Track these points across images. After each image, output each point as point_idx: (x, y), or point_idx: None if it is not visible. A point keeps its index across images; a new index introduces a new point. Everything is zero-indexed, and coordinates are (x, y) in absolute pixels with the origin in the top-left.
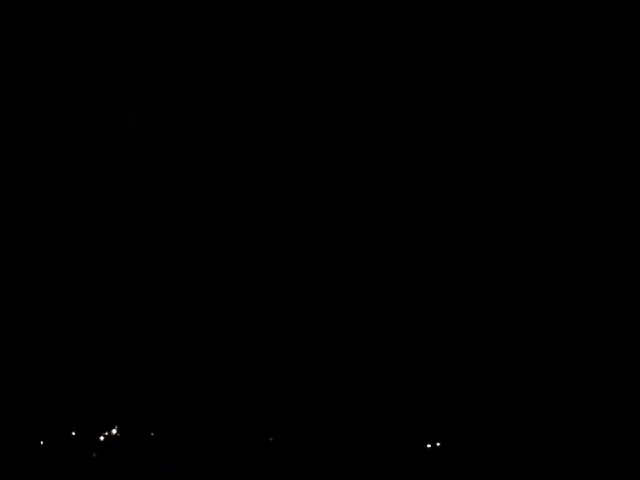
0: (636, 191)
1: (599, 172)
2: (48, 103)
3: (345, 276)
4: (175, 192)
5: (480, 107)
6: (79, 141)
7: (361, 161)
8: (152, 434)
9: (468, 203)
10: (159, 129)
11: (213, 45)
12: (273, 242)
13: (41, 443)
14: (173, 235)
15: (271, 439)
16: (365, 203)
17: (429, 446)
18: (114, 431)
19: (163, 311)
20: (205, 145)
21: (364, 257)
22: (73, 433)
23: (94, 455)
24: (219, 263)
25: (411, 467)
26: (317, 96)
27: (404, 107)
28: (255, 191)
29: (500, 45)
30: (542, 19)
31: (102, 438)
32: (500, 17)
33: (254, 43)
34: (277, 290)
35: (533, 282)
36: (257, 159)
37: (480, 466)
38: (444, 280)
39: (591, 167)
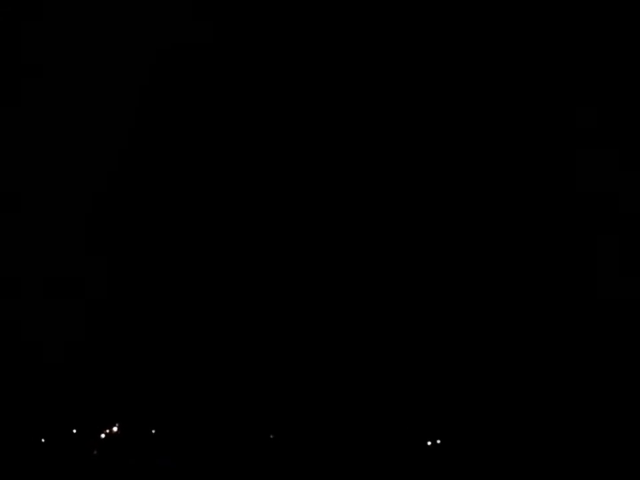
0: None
1: (599, 171)
2: (48, 104)
3: (345, 276)
4: (175, 193)
5: (481, 108)
6: (79, 141)
7: (361, 161)
8: (152, 431)
9: (468, 203)
10: (159, 130)
11: (212, 45)
12: (273, 242)
13: (43, 440)
14: (173, 235)
15: (271, 437)
16: (365, 203)
17: (429, 443)
18: (115, 429)
19: (162, 309)
20: (205, 145)
21: (364, 257)
22: (75, 431)
23: (95, 452)
24: (219, 262)
25: (411, 465)
26: (316, 96)
27: (404, 107)
28: (255, 191)
29: (500, 46)
30: (543, 22)
31: (103, 435)
32: (501, 18)
33: (253, 43)
34: (277, 290)
35: (533, 282)
36: (257, 158)
37: (480, 465)
38: (444, 280)
39: (590, 167)
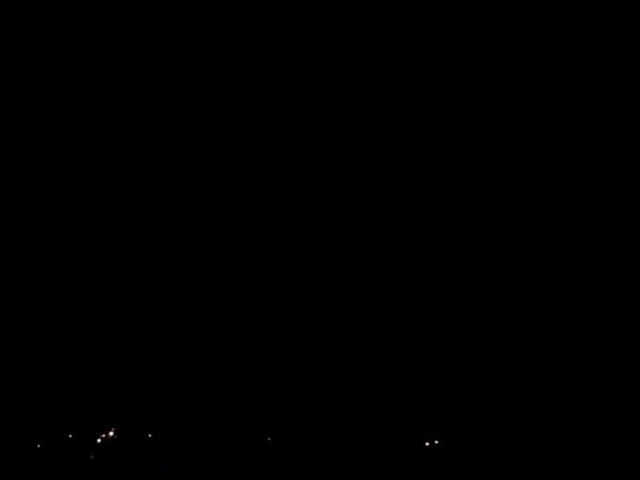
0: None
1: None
2: (48, 104)
3: (345, 276)
4: (174, 193)
5: (482, 110)
6: (78, 141)
7: (361, 161)
8: (149, 435)
9: (468, 205)
10: (158, 130)
11: (212, 46)
12: (273, 242)
13: (38, 446)
14: (173, 235)
15: (269, 439)
16: (365, 203)
17: (427, 444)
18: (111, 433)
19: (160, 310)
20: (205, 146)
21: (363, 256)
22: (70, 436)
23: (92, 456)
24: (218, 263)
25: (411, 466)
26: (317, 96)
27: (404, 108)
28: (255, 191)
29: (501, 47)
30: (545, 23)
31: (99, 440)
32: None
33: (253, 43)
34: (277, 289)
35: (533, 283)
36: (258, 158)
37: (480, 465)
38: (444, 280)
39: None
